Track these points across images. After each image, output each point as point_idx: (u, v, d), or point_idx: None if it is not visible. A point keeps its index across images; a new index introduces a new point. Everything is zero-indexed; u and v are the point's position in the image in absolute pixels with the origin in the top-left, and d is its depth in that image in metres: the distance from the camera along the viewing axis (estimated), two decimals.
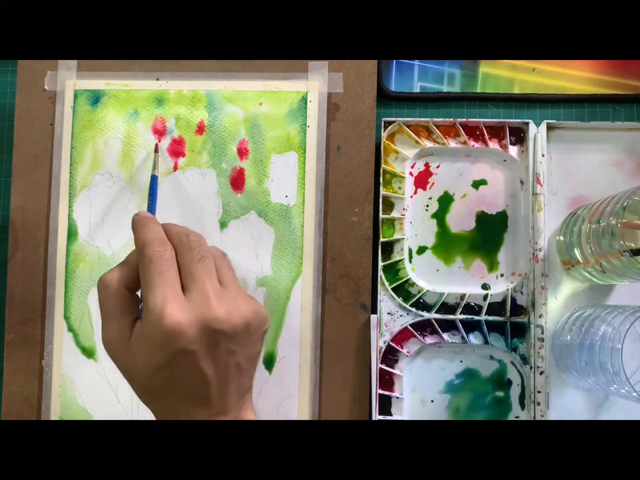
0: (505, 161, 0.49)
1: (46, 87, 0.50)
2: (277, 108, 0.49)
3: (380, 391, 0.46)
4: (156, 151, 0.47)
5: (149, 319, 0.32)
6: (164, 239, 0.34)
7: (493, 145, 0.49)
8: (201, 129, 0.49)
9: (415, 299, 0.48)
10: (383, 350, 0.47)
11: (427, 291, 0.48)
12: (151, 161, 0.48)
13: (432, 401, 0.47)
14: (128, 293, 0.35)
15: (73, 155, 0.49)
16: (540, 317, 0.46)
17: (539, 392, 0.46)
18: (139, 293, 0.35)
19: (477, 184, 0.49)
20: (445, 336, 0.47)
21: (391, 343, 0.47)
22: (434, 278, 0.48)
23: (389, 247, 0.48)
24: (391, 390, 0.47)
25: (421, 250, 0.49)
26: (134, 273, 0.35)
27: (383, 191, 0.48)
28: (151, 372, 0.32)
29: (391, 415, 0.47)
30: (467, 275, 0.48)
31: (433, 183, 0.49)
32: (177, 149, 0.49)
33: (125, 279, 0.35)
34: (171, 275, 0.33)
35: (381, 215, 0.48)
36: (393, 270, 0.48)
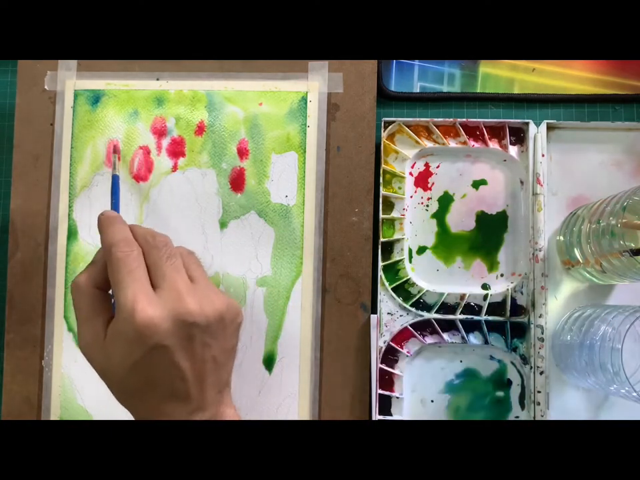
0: (505, 160, 0.49)
1: (46, 87, 0.50)
2: (277, 108, 0.49)
3: (380, 391, 0.46)
4: (115, 152, 0.48)
5: (121, 316, 0.32)
6: (131, 239, 0.35)
7: (493, 145, 0.49)
8: (200, 129, 0.49)
9: (414, 299, 0.48)
10: (383, 350, 0.47)
11: (426, 291, 0.48)
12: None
13: (432, 401, 0.47)
14: (99, 293, 0.35)
15: (73, 154, 0.49)
16: (540, 317, 0.46)
17: (539, 392, 0.46)
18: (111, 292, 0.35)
19: (477, 184, 0.49)
20: (445, 336, 0.47)
21: (390, 343, 0.47)
22: (434, 278, 0.48)
23: (388, 247, 0.48)
24: (391, 390, 0.47)
25: (421, 250, 0.49)
26: (103, 273, 0.35)
27: (382, 191, 0.48)
28: (127, 370, 0.32)
29: (390, 415, 0.47)
30: (467, 275, 0.48)
31: (433, 183, 0.49)
32: (176, 149, 0.49)
33: (94, 279, 0.35)
34: (139, 272, 0.33)
35: (381, 215, 0.48)
36: (393, 270, 0.48)
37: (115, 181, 0.44)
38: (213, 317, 0.33)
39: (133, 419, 0.34)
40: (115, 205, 0.42)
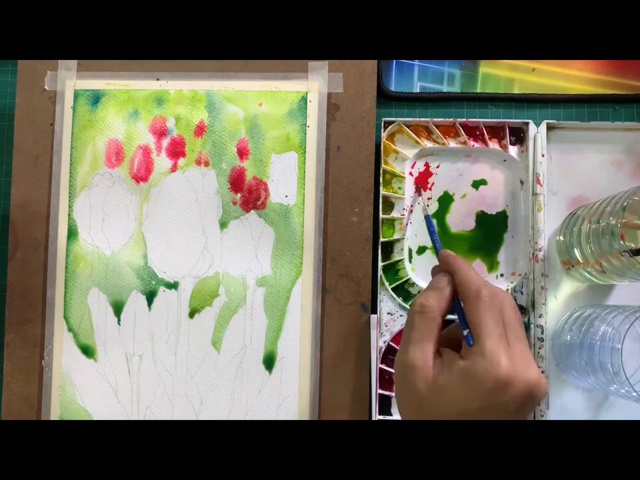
0: (505, 161, 0.49)
1: (46, 87, 0.50)
2: (277, 108, 0.49)
3: (380, 391, 0.46)
4: (419, 193, 0.48)
5: (483, 363, 0.32)
6: (490, 285, 0.35)
7: (493, 145, 0.49)
8: (200, 129, 0.49)
9: (414, 299, 0.48)
10: (383, 350, 0.47)
11: None
12: (420, 204, 0.49)
13: None
14: (441, 322, 0.35)
15: (73, 154, 0.49)
16: (540, 316, 0.46)
17: None
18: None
19: (477, 184, 0.49)
20: None
21: (390, 343, 0.47)
22: None
23: (388, 247, 0.48)
24: (391, 390, 0.47)
25: (421, 250, 0.49)
26: (448, 303, 0.36)
27: (382, 191, 0.48)
28: (455, 412, 0.32)
29: (390, 415, 0.47)
30: None
31: (433, 183, 0.49)
32: (176, 149, 0.49)
33: (442, 308, 0.35)
34: (501, 329, 0.33)
35: (381, 215, 0.48)
36: (393, 270, 0.48)
37: (429, 221, 0.45)
38: (543, 395, 0.33)
39: (133, 419, 0.34)
40: (438, 244, 0.41)
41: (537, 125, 0.48)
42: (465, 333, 0.34)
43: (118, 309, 0.48)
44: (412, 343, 0.34)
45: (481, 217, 0.49)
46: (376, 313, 0.47)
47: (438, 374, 0.33)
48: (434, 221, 0.48)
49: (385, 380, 0.47)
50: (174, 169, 0.49)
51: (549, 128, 0.48)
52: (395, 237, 0.48)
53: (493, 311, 0.33)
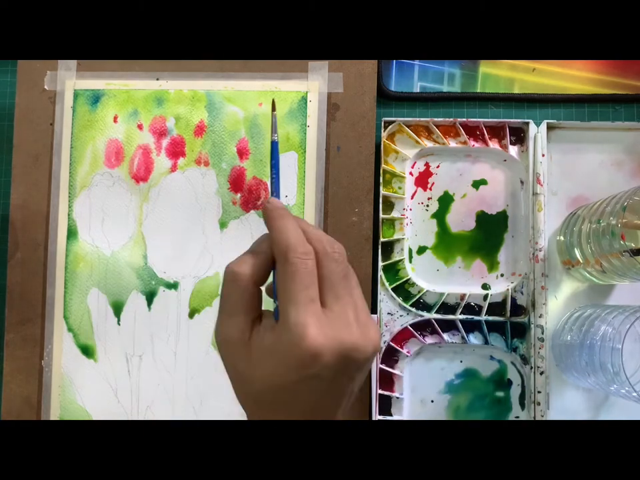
0: (505, 160, 0.49)
1: (46, 87, 0.50)
2: (277, 108, 0.49)
3: (380, 391, 0.46)
4: (273, 109, 0.36)
5: (288, 336, 0.29)
6: (306, 244, 0.31)
7: (493, 144, 0.49)
8: (200, 128, 0.49)
9: (415, 299, 0.48)
10: (383, 350, 0.47)
11: (426, 291, 0.48)
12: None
13: (432, 401, 0.47)
14: (256, 290, 0.32)
15: (72, 154, 0.49)
16: (540, 316, 0.46)
17: (539, 392, 0.46)
18: (262, 288, 0.33)
19: (477, 184, 0.49)
20: (445, 336, 0.47)
21: (390, 343, 0.47)
22: (434, 278, 0.48)
23: (389, 247, 0.48)
24: (391, 390, 0.47)
25: (421, 250, 0.49)
26: (266, 269, 0.32)
27: (382, 191, 0.48)
28: (269, 387, 0.30)
29: (390, 415, 0.47)
30: (467, 275, 0.48)
31: (433, 183, 0.49)
32: (176, 149, 0.49)
33: (256, 275, 0.31)
34: (314, 291, 0.30)
35: (381, 215, 0.48)
36: (393, 270, 0.48)
37: (275, 148, 0.35)
38: (371, 353, 0.31)
39: (133, 419, 0.34)
40: (276, 184, 0.34)
41: (537, 124, 0.48)
42: (275, 305, 0.31)
43: (118, 309, 0.48)
44: (224, 315, 0.31)
45: (481, 217, 0.49)
46: (376, 313, 0.47)
47: (254, 348, 0.30)
48: (280, 158, 0.36)
49: (385, 380, 0.47)
50: (174, 168, 0.49)
51: (549, 128, 0.48)
52: (395, 237, 0.48)
53: (304, 272, 0.30)
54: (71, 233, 0.49)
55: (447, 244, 0.49)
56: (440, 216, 0.49)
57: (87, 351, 0.48)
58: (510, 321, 0.47)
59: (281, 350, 0.30)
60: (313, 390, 0.30)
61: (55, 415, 0.48)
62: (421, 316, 0.47)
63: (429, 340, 0.47)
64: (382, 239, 0.48)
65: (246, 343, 0.31)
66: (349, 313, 0.30)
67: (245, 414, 0.33)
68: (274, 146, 0.34)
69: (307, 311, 0.29)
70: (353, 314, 0.31)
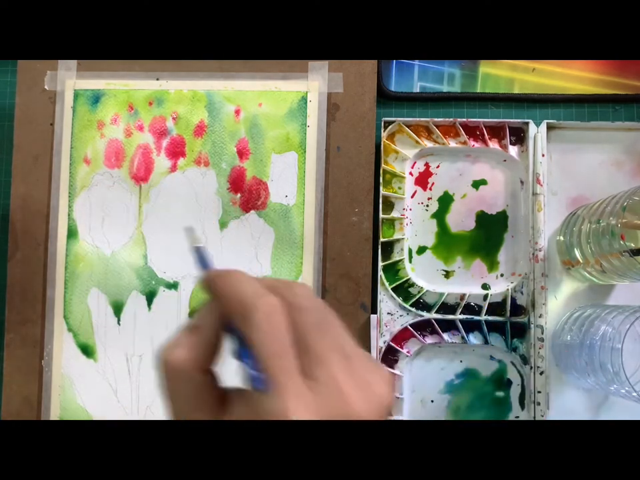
0: (505, 161, 0.49)
1: (46, 87, 0.50)
2: (277, 108, 0.49)
3: None
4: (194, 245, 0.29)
5: (273, 407, 0.24)
6: (271, 298, 0.23)
7: (493, 145, 0.49)
8: (200, 128, 0.49)
9: (414, 299, 0.48)
10: (383, 350, 0.47)
11: (426, 291, 0.48)
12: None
13: (432, 401, 0.47)
14: (206, 379, 0.25)
15: (72, 154, 0.49)
16: (540, 317, 0.46)
17: (539, 392, 0.46)
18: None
19: (477, 184, 0.49)
20: (445, 336, 0.47)
21: (390, 343, 0.47)
22: (434, 278, 0.48)
23: (389, 247, 0.48)
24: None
25: (421, 250, 0.49)
26: (209, 348, 0.24)
27: (382, 191, 0.48)
28: None
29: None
30: (467, 275, 0.48)
31: (433, 183, 0.49)
32: (176, 149, 0.49)
33: (198, 360, 0.24)
34: (290, 358, 0.23)
35: (381, 215, 0.48)
36: (392, 270, 0.48)
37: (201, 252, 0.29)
38: (379, 416, 0.25)
39: (133, 419, 0.34)
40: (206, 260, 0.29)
41: (537, 124, 0.48)
42: (251, 373, 0.24)
43: (118, 309, 0.48)
44: (182, 416, 0.25)
45: (481, 217, 0.49)
46: (376, 313, 0.47)
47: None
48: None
49: None
50: (173, 168, 0.49)
51: (549, 128, 0.48)
52: (395, 237, 0.48)
53: (274, 337, 0.23)
54: (71, 233, 0.49)
55: (447, 244, 0.49)
56: (440, 216, 0.49)
57: (87, 351, 0.48)
58: (510, 321, 0.47)
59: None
60: None
61: (55, 415, 0.48)
62: (421, 316, 0.47)
63: (429, 340, 0.47)
64: (382, 239, 0.48)
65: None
66: (339, 378, 0.23)
67: None
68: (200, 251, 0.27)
69: (288, 389, 0.23)
70: (345, 377, 0.24)
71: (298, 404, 0.23)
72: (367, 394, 0.24)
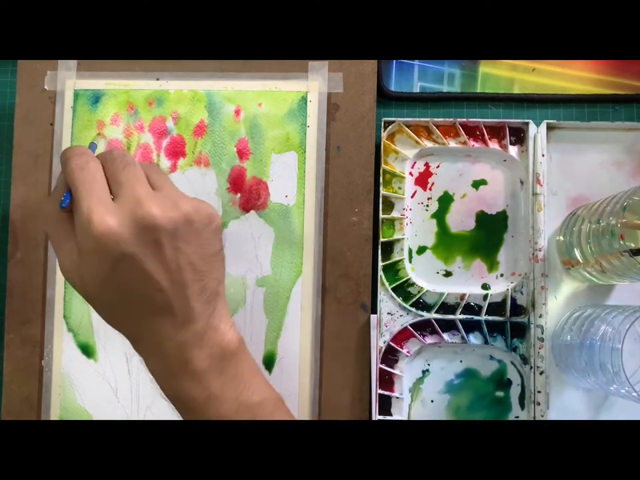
0: (505, 161, 0.49)
1: (46, 87, 0.50)
2: (277, 108, 0.49)
3: (380, 391, 0.46)
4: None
5: (80, 231, 0.31)
6: (86, 151, 0.33)
7: (493, 145, 0.49)
8: (200, 128, 0.49)
9: (414, 299, 0.48)
10: (383, 350, 0.47)
11: (426, 291, 0.48)
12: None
13: (432, 401, 0.47)
14: (66, 215, 0.33)
15: None
16: (540, 317, 0.46)
17: (539, 392, 0.46)
18: None
19: (477, 184, 0.49)
20: (445, 336, 0.47)
21: (390, 343, 0.47)
22: (434, 278, 0.48)
23: (389, 247, 0.48)
24: (391, 390, 0.47)
25: (421, 250, 0.49)
26: (61, 197, 0.34)
27: (382, 191, 0.48)
28: (100, 286, 0.31)
29: (390, 415, 0.47)
30: (467, 275, 0.48)
31: (433, 183, 0.49)
32: (176, 149, 0.49)
33: (59, 202, 0.33)
34: (96, 184, 0.31)
35: (381, 215, 0.48)
36: (392, 270, 0.48)
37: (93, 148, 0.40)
38: (179, 220, 0.31)
39: (133, 419, 0.34)
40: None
41: (537, 124, 0.48)
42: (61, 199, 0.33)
43: None
44: (57, 251, 0.33)
45: (481, 217, 0.49)
46: (376, 313, 0.47)
47: (78, 262, 0.32)
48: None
49: (385, 380, 0.47)
50: (173, 169, 0.49)
51: (549, 128, 0.48)
52: (395, 237, 0.48)
53: (80, 174, 0.32)
54: None
55: (447, 244, 0.49)
56: (440, 216, 0.49)
57: (87, 351, 0.48)
58: (510, 321, 0.47)
59: (83, 247, 0.31)
60: (135, 270, 0.30)
61: (54, 414, 0.48)
62: (421, 316, 0.47)
63: (429, 340, 0.47)
64: (382, 239, 0.48)
65: (77, 264, 0.32)
66: (139, 192, 0.31)
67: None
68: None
69: (91, 201, 0.30)
70: (144, 192, 0.31)
71: (100, 208, 0.30)
72: (166, 206, 0.31)
